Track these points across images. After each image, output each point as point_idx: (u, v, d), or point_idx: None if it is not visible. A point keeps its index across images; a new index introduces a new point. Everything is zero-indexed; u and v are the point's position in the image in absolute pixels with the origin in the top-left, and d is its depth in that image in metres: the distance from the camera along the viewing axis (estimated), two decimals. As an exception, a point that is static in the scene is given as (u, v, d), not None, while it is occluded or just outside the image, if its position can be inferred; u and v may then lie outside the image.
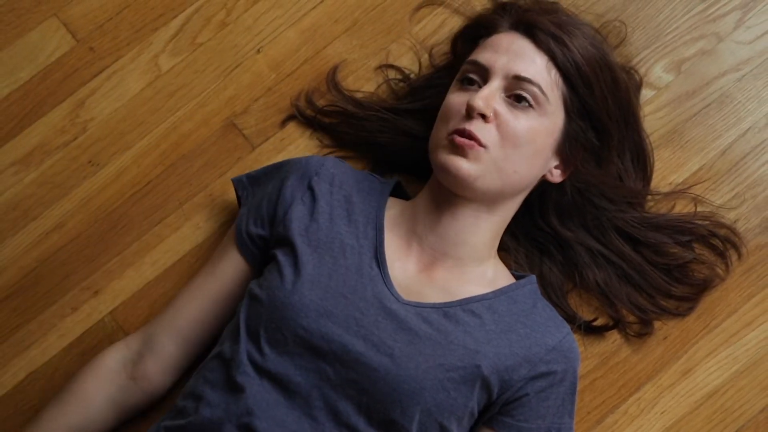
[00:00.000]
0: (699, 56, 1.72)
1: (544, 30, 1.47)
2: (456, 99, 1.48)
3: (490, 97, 1.44)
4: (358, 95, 1.71)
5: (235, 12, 1.75)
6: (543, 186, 1.55)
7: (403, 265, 1.49)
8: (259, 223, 1.53)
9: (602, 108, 1.49)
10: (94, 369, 1.56)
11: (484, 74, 1.47)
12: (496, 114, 1.44)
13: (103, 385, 1.55)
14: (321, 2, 1.75)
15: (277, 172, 1.58)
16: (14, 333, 1.67)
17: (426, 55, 1.72)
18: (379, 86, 1.72)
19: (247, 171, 1.68)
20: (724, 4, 1.73)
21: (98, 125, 1.72)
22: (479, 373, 1.39)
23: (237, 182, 1.61)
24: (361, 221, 1.50)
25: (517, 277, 1.54)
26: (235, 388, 1.40)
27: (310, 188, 1.52)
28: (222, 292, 1.56)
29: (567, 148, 1.49)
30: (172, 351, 1.55)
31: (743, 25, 1.72)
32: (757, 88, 1.71)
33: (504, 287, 1.49)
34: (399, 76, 1.72)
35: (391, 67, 1.72)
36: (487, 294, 1.47)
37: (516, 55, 1.46)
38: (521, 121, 1.44)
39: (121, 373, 1.55)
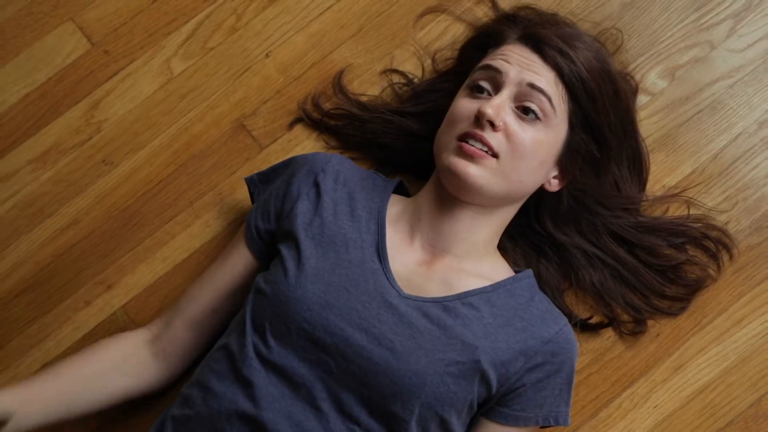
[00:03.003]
0: (692, 63, 1.73)
1: (552, 45, 1.48)
2: (466, 104, 1.49)
3: (500, 106, 1.45)
4: (363, 98, 1.72)
5: (245, 17, 1.76)
6: (540, 192, 1.55)
7: (404, 260, 1.50)
8: (266, 217, 1.55)
9: (604, 121, 1.51)
10: (116, 336, 1.58)
11: (496, 82, 1.48)
12: (504, 124, 1.45)
13: (123, 346, 1.56)
14: (328, 9, 1.76)
15: (285, 168, 1.60)
16: (30, 325, 1.69)
17: (429, 61, 1.74)
18: (383, 90, 1.74)
19: (255, 171, 1.69)
20: (717, 14, 1.74)
21: (112, 126, 1.74)
22: (478, 368, 1.41)
23: (249, 181, 1.63)
24: (364, 217, 1.52)
25: (515, 273, 1.55)
26: (241, 380, 1.42)
27: (316, 184, 1.53)
28: (231, 284, 1.58)
29: (567, 159, 1.51)
30: (185, 337, 1.58)
31: (735, 33, 1.74)
32: (748, 94, 1.72)
33: (502, 281, 1.50)
34: (403, 81, 1.73)
35: (396, 71, 1.74)
36: (485, 287, 1.48)
37: (527, 67, 1.48)
38: (528, 133, 1.46)
39: (141, 346, 1.57)
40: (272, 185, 1.60)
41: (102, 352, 1.55)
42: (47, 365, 1.67)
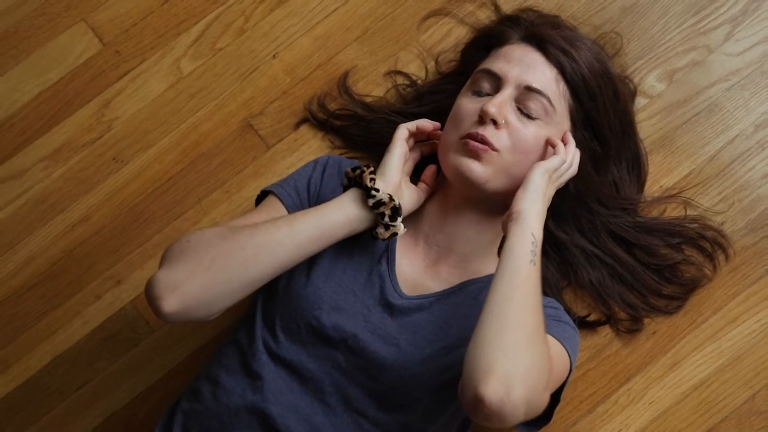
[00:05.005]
0: (690, 67, 1.74)
1: (555, 44, 1.51)
2: (468, 105, 1.50)
3: (502, 104, 1.47)
4: (368, 99, 1.73)
5: (253, 19, 1.78)
6: None
7: (410, 262, 1.52)
8: (295, 194, 1.54)
9: (604, 119, 1.53)
10: None
11: (497, 83, 1.50)
12: (507, 122, 1.47)
13: None
14: (334, 11, 1.78)
15: (303, 169, 1.60)
16: (41, 319, 1.71)
17: (432, 62, 1.75)
18: (387, 91, 1.75)
19: (262, 169, 1.73)
20: (715, 18, 1.75)
21: (123, 124, 1.75)
22: None
23: (267, 189, 1.58)
24: None
25: None
26: (251, 375, 1.44)
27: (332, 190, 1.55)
28: None
29: None
30: None
31: (732, 38, 1.74)
32: (745, 97, 1.73)
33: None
34: (407, 82, 1.74)
35: (400, 73, 1.76)
36: (482, 277, 1.51)
37: (528, 67, 1.49)
38: (530, 129, 1.47)
39: None
40: (293, 178, 1.58)
41: None
42: (57, 358, 1.70)
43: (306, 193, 1.55)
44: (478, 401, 1.24)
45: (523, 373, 1.25)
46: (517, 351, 1.27)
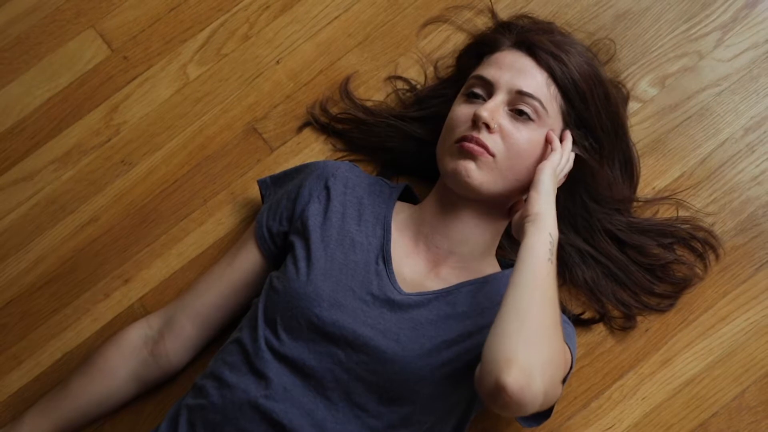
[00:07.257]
0: (682, 72, 1.76)
1: (544, 49, 1.52)
2: (462, 110, 1.52)
3: (495, 109, 1.49)
4: (369, 104, 1.76)
5: (257, 26, 1.80)
6: None
7: (411, 263, 1.54)
8: (278, 218, 1.58)
9: (596, 121, 1.55)
10: (117, 344, 1.61)
11: (489, 88, 1.52)
12: (500, 126, 1.48)
13: (126, 359, 1.60)
14: (336, 18, 1.80)
15: (297, 173, 1.63)
16: (52, 316, 1.72)
17: (431, 68, 1.78)
18: (387, 96, 1.77)
19: (266, 172, 1.73)
20: (706, 25, 1.78)
21: (130, 128, 1.78)
22: (477, 349, 1.42)
23: (261, 183, 1.66)
24: (371, 221, 1.56)
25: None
26: (254, 372, 1.45)
27: (326, 188, 1.56)
28: (239, 281, 1.60)
29: None
30: (190, 332, 1.60)
31: (723, 44, 1.77)
32: (735, 102, 1.75)
33: (494, 273, 1.55)
34: (406, 87, 1.77)
35: (399, 78, 1.78)
36: (478, 278, 1.52)
37: (519, 72, 1.51)
38: (523, 133, 1.49)
39: (142, 349, 1.60)
40: (284, 188, 1.62)
41: (107, 369, 1.60)
42: (67, 354, 1.70)
43: (288, 222, 1.58)
44: (499, 389, 1.26)
45: (543, 364, 1.28)
46: (538, 343, 1.30)
